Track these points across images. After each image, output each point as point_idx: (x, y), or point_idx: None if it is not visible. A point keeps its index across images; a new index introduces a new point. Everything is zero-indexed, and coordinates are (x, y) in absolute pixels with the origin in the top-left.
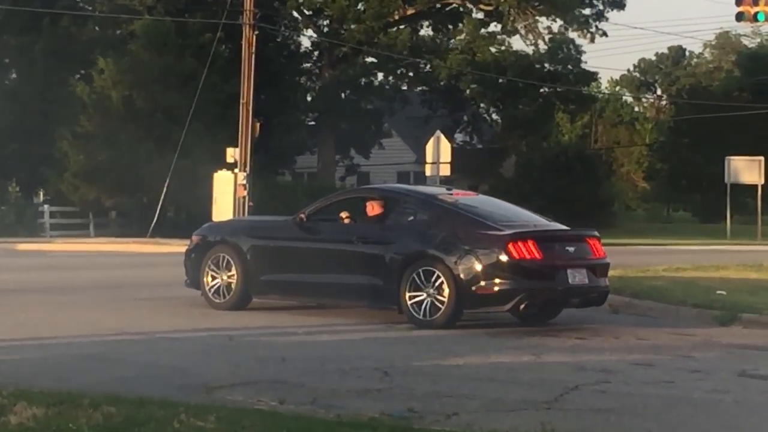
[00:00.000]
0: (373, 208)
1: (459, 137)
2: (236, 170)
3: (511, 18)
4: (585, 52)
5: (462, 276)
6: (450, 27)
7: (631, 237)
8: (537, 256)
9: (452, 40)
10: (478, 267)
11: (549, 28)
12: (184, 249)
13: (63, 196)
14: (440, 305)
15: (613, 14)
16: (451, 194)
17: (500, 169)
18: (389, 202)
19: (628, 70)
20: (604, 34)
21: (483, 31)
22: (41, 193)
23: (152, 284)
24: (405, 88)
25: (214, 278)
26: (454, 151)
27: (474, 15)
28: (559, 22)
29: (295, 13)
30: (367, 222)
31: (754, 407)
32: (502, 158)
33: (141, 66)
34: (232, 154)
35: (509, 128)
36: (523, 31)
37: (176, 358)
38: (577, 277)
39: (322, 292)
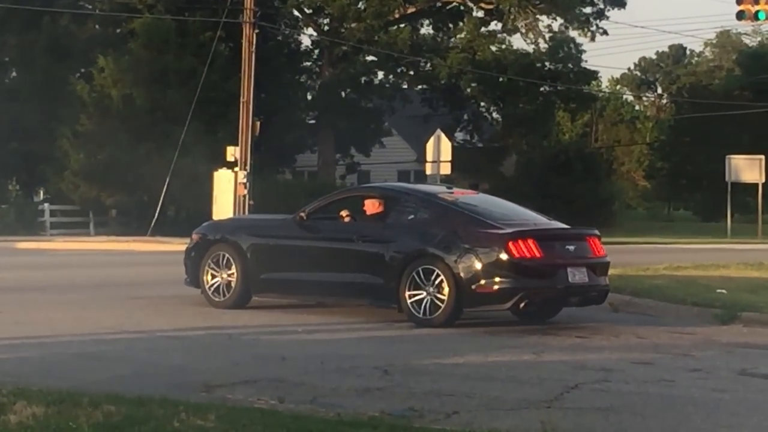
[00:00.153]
0: (374, 207)
1: (459, 136)
2: (236, 169)
3: (512, 17)
4: (585, 51)
5: (462, 274)
6: (450, 25)
7: (631, 236)
8: (537, 254)
9: (453, 39)
10: (478, 265)
11: (549, 26)
12: (184, 247)
13: (63, 195)
14: (440, 304)
15: (613, 13)
16: (452, 193)
17: (501, 167)
18: (389, 200)
19: (629, 69)
20: (605, 32)
21: (483, 29)
22: (41, 192)
23: (152, 283)
24: (405, 86)
25: (214, 277)
26: (455, 150)
27: (474, 13)
28: (560, 20)
29: (296, 12)
30: (368, 220)
31: (754, 406)
32: (502, 157)
33: (141, 65)
34: (232, 152)
35: (510, 127)
36: (523, 30)
37: (176, 356)
38: (577, 275)
39: (322, 291)
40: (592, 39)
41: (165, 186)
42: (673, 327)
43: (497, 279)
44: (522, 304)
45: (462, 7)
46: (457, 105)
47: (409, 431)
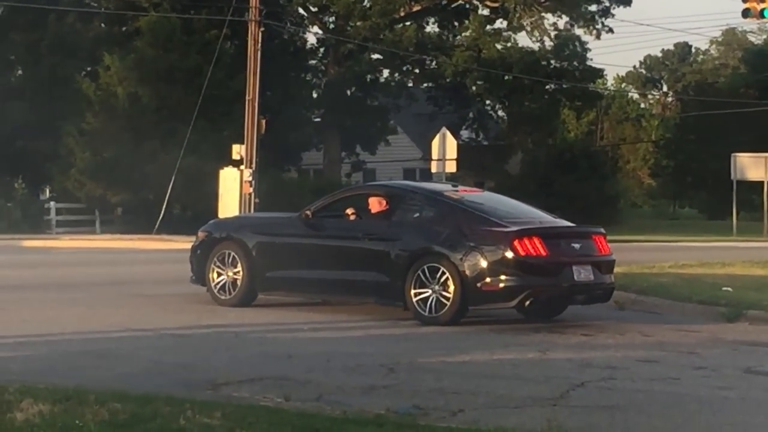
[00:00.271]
0: (379, 205)
1: (465, 134)
2: (242, 167)
3: (517, 15)
4: (591, 49)
5: (467, 272)
6: (456, 24)
7: (636, 234)
8: (542, 252)
9: (458, 37)
10: (484, 264)
11: (555, 24)
12: (189, 245)
13: (69, 193)
14: (445, 302)
15: (619, 11)
16: (457, 191)
17: (506, 165)
18: (395, 198)
19: (634, 67)
20: (610, 30)
21: (489, 27)
22: (47, 190)
23: (157, 281)
24: (411, 84)
25: (219, 275)
26: (460, 148)
27: (480, 12)
28: (565, 18)
29: (301, 10)
30: (373, 218)
31: (759, 404)
32: (507, 155)
33: (147, 63)
34: (237, 150)
35: (515, 125)
36: (528, 28)
37: (182, 354)
38: (583, 273)
39: (327, 289)
40: (598, 37)
41: (170, 184)
42: (678, 325)
43: (503, 277)
44: (527, 302)
45: (467, 5)
46: (462, 103)
47: (415, 429)
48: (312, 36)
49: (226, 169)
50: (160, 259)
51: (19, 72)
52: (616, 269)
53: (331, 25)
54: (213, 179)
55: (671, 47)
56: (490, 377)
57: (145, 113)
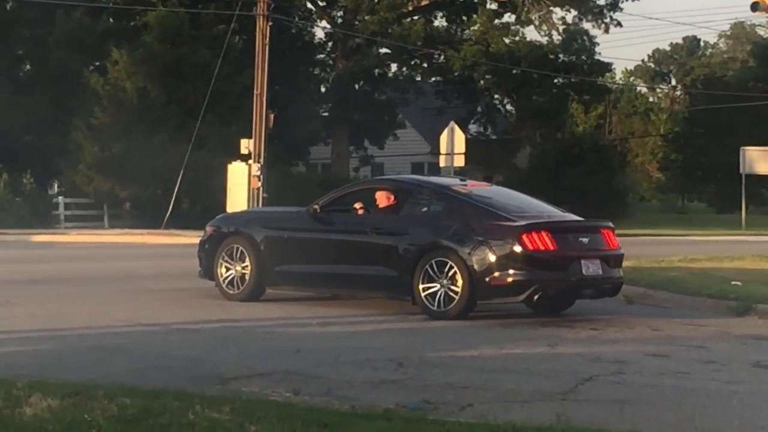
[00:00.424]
0: (387, 199)
1: (473, 128)
2: (250, 161)
3: (525, 8)
4: (599, 43)
5: (476, 267)
6: (464, 18)
7: (645, 228)
8: (551, 247)
9: (466, 31)
10: (492, 258)
11: (563, 18)
12: (197, 240)
13: (77, 188)
14: (454, 296)
15: (627, 4)
16: (465, 185)
17: (514, 159)
18: (403, 193)
19: (643, 61)
20: (619, 24)
21: (497, 21)
22: (56, 185)
23: (166, 275)
24: (419, 79)
25: (228, 269)
26: (468, 142)
27: (488, 6)
28: (574, 12)
29: (309, 4)
30: (381, 213)
31: None
32: (516, 149)
33: (155, 57)
34: (246, 145)
35: (523, 119)
36: (537, 22)
37: (190, 349)
38: (591, 268)
39: (335, 283)
40: (606, 31)
41: (179, 178)
42: (687, 319)
43: (511, 271)
44: (536, 297)
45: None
46: (470, 97)
47: (424, 423)
48: (320, 30)
49: (234, 163)
50: (168, 254)
51: (27, 67)
52: (625, 263)
53: (339, 20)
54: (221, 174)
55: (680, 41)
56: (499, 372)
57: (153, 108)
